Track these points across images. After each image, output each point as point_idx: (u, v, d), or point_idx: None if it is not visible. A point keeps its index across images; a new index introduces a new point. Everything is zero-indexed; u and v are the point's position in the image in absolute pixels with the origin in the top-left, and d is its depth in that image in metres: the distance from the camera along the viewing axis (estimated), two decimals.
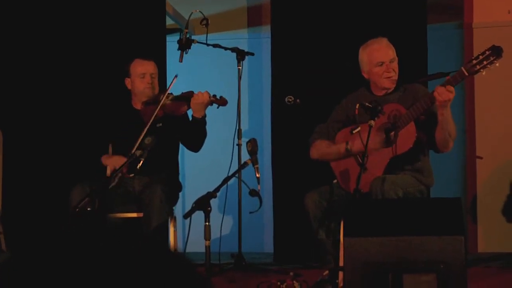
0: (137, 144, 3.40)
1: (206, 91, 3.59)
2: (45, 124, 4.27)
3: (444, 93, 3.13)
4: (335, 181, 3.45)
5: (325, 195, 3.35)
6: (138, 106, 3.77)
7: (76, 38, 4.32)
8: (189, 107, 3.63)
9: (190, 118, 3.68)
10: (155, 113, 3.49)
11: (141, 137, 3.41)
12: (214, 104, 3.61)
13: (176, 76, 3.53)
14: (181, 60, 3.62)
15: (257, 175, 3.16)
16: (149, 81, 3.73)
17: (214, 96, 3.61)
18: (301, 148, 3.67)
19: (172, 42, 4.05)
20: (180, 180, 3.87)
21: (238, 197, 3.89)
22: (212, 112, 3.71)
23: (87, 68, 4.31)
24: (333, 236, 3.29)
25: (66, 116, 4.27)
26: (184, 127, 3.70)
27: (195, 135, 3.67)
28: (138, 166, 3.29)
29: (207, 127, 3.69)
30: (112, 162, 3.57)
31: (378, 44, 3.43)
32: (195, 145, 3.71)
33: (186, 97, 3.63)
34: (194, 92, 3.61)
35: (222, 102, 3.60)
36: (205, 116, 3.65)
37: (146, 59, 3.77)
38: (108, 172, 3.45)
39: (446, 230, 2.66)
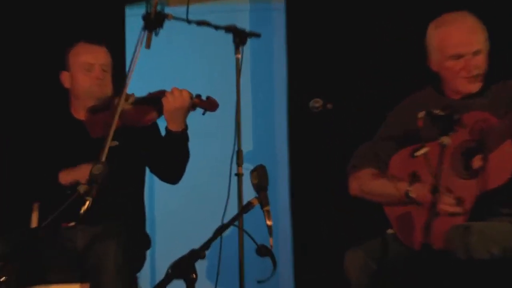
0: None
1: (185, 90, 3.64)
2: None
3: None
4: (390, 230, 3.47)
5: (374, 254, 3.36)
6: (80, 114, 3.78)
7: None
8: (160, 114, 3.68)
9: (164, 132, 3.70)
10: (113, 124, 3.48)
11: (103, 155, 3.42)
12: (197, 109, 3.66)
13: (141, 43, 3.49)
14: (148, 45, 3.57)
15: (268, 223, 3.12)
16: (99, 75, 3.77)
17: (198, 96, 3.65)
18: (334, 179, 3.78)
19: (134, 17, 4.23)
20: (149, 230, 3.85)
21: (239, 257, 3.73)
22: (196, 124, 3.71)
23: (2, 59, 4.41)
24: None
25: None
26: (154, 146, 3.73)
27: (171, 158, 3.71)
28: (82, 210, 3.25)
29: (189, 146, 3.73)
30: (81, 175, 3.51)
31: (458, 26, 3.45)
32: (173, 173, 3.76)
33: (156, 100, 3.67)
34: (168, 92, 3.66)
35: (209, 105, 3.65)
36: (186, 128, 3.68)
37: (94, 43, 3.80)
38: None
39: None
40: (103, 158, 3.37)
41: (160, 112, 3.68)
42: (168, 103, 3.63)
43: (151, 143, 3.75)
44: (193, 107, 3.65)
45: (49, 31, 4.33)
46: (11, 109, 4.32)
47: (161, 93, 3.68)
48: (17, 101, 4.35)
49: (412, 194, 3.33)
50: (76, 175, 3.58)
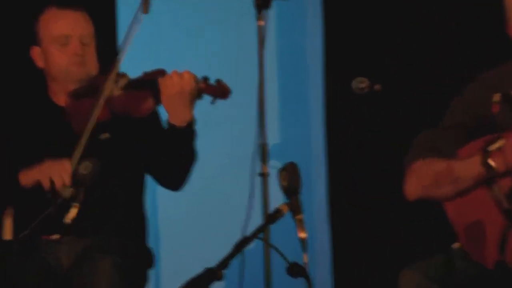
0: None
1: (187, 71, 3.60)
2: None
3: None
4: (456, 244, 3.38)
5: (435, 272, 3.29)
6: (61, 100, 3.77)
7: None
8: (157, 102, 3.64)
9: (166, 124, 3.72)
10: (95, 111, 3.51)
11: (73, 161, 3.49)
12: (204, 96, 3.64)
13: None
14: (146, 9, 3.59)
15: (301, 235, 3.09)
16: (77, 50, 3.73)
17: (205, 79, 3.62)
18: (384, 180, 3.93)
19: None
20: (151, 244, 3.85)
21: (265, 278, 3.80)
22: (207, 112, 3.67)
23: None
24: None
25: None
26: (152, 141, 3.72)
27: (172, 158, 3.71)
28: (68, 219, 3.28)
29: (197, 142, 3.74)
30: (46, 172, 3.49)
31: None
32: (173, 178, 3.79)
33: (152, 83, 3.63)
34: (167, 73, 3.64)
35: (219, 91, 3.63)
36: (192, 122, 3.66)
37: (69, 8, 3.79)
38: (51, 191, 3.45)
39: None
40: (79, 155, 3.39)
41: (157, 99, 3.64)
42: (165, 87, 3.57)
43: (149, 137, 3.71)
44: (198, 94, 3.61)
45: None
46: None
47: (160, 73, 3.63)
48: None
49: (492, 160, 3.16)
50: (35, 174, 3.51)
